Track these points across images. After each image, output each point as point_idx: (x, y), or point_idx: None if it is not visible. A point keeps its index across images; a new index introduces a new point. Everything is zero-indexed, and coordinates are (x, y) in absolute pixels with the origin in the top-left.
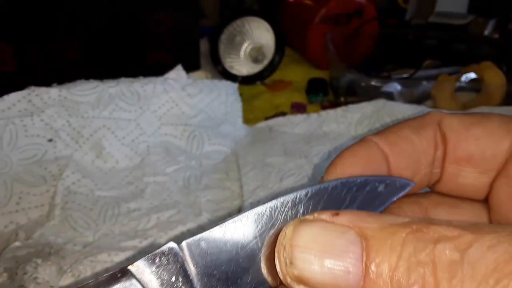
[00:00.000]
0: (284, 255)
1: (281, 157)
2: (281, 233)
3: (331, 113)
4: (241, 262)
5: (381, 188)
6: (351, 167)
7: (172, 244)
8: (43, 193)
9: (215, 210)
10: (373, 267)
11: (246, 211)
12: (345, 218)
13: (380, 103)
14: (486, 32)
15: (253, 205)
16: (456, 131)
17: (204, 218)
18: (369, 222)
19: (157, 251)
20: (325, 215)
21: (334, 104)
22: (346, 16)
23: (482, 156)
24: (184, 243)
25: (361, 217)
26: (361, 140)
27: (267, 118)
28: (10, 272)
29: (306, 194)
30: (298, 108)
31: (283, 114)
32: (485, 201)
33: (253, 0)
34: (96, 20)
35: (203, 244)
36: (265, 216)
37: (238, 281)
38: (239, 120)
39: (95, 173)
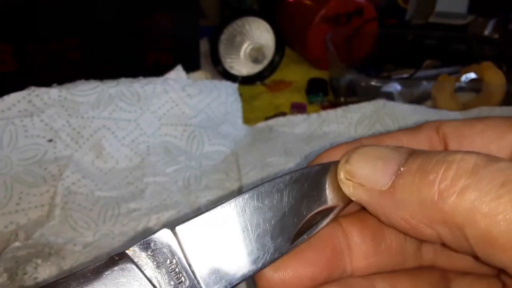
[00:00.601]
0: (345, 157)
1: (281, 157)
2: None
3: (331, 113)
4: (232, 244)
5: None
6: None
7: (166, 229)
8: (43, 194)
9: None
10: (407, 164)
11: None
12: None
13: (380, 103)
14: (486, 32)
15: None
16: (458, 130)
17: None
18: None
19: (151, 236)
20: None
21: (334, 104)
22: (346, 16)
23: (487, 150)
24: (177, 228)
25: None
26: (350, 142)
27: (267, 118)
28: (10, 272)
29: (291, 179)
30: (298, 108)
31: (283, 114)
32: None
33: (253, 0)
34: (96, 20)
35: (195, 228)
36: (253, 201)
37: (231, 262)
38: (239, 120)
39: (95, 174)
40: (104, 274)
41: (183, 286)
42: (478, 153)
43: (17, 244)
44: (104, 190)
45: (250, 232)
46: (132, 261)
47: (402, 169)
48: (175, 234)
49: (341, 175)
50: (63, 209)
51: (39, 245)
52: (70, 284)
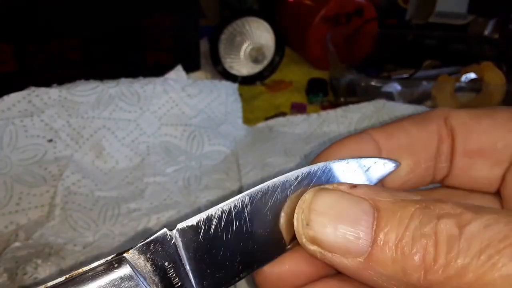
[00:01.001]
0: (302, 217)
1: (281, 157)
2: (301, 198)
3: (331, 113)
4: (231, 245)
5: (368, 168)
6: (338, 157)
7: (165, 230)
8: (43, 194)
9: None
10: (381, 235)
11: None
12: (362, 190)
13: (380, 103)
14: (486, 32)
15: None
16: (465, 124)
17: None
18: (383, 197)
19: (151, 238)
20: (344, 187)
21: (334, 104)
22: (346, 16)
23: (493, 148)
24: (175, 230)
25: (377, 191)
26: (357, 133)
27: (267, 118)
28: (10, 272)
29: (296, 178)
30: (298, 108)
31: (283, 114)
32: (497, 193)
33: (253, 0)
34: (96, 20)
35: (194, 229)
36: (255, 201)
37: (227, 263)
38: (239, 120)
39: (95, 174)
40: (102, 281)
41: None
42: (450, 217)
43: (17, 244)
44: (104, 190)
45: (249, 233)
46: (131, 266)
47: (377, 239)
48: (174, 235)
49: (303, 239)
50: (63, 209)
51: (39, 245)
52: None
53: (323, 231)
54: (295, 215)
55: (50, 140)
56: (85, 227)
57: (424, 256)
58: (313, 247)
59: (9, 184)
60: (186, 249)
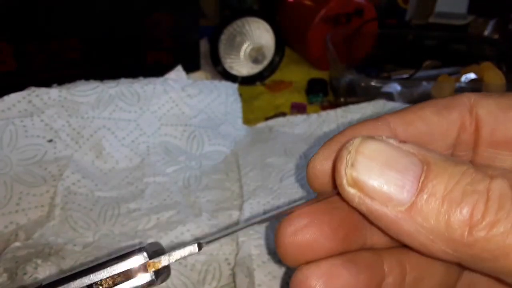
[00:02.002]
0: (348, 157)
1: (281, 157)
2: (348, 142)
3: (331, 113)
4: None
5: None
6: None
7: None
8: (43, 194)
9: (215, 211)
10: (429, 186)
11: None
12: (412, 145)
13: (380, 103)
14: (486, 32)
15: (252, 206)
16: (493, 113)
17: (204, 218)
18: (434, 154)
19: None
20: (393, 140)
21: (334, 105)
22: (346, 16)
23: None
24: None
25: (427, 149)
26: (373, 119)
27: (267, 119)
28: (10, 273)
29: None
30: (298, 109)
31: (283, 114)
32: None
33: (253, 0)
34: (96, 20)
35: None
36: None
37: None
38: (239, 120)
39: (95, 174)
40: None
41: None
42: (503, 179)
43: (17, 244)
44: (104, 190)
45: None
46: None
47: (424, 189)
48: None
49: (344, 180)
50: (63, 209)
51: (39, 245)
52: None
53: (368, 174)
54: (339, 155)
55: (50, 140)
56: (85, 227)
57: (472, 210)
58: (352, 190)
59: (9, 184)
60: None
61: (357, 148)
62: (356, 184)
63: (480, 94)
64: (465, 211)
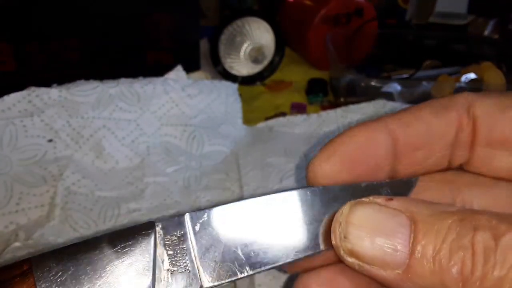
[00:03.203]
0: (340, 230)
1: (281, 157)
2: (338, 211)
3: (331, 113)
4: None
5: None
6: (347, 148)
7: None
8: (43, 194)
9: None
10: (419, 247)
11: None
12: (398, 203)
13: (380, 103)
14: (486, 32)
15: None
16: (489, 113)
17: None
18: (420, 208)
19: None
20: (380, 199)
21: (334, 105)
22: (346, 16)
23: None
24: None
25: (413, 203)
26: (371, 120)
27: (267, 119)
28: None
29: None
30: (298, 109)
31: (283, 114)
32: None
33: (253, 0)
34: (96, 20)
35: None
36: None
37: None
38: (239, 120)
39: (95, 174)
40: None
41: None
42: (486, 229)
43: (17, 244)
44: (104, 190)
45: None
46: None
47: (415, 251)
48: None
49: (341, 252)
50: (63, 209)
51: (39, 245)
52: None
53: (361, 244)
54: (333, 228)
55: (50, 140)
56: (85, 227)
57: (462, 268)
58: (351, 259)
59: (9, 184)
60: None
61: (346, 218)
62: (352, 254)
63: (478, 93)
64: (455, 270)
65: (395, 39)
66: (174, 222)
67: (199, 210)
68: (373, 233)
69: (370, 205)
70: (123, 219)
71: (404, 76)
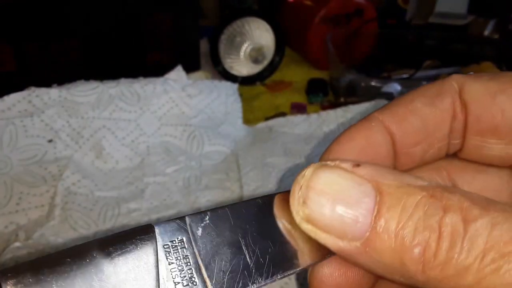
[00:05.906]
0: (299, 193)
1: (281, 157)
2: (300, 173)
3: (331, 113)
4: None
5: None
6: (347, 153)
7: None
8: (43, 194)
9: None
10: (382, 221)
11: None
12: (365, 170)
13: (380, 103)
14: (486, 32)
15: None
16: (479, 100)
17: None
18: (388, 179)
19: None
20: (346, 165)
21: (334, 105)
22: (346, 16)
23: (509, 128)
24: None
25: (381, 172)
26: (364, 119)
27: (267, 119)
28: None
29: None
30: (298, 109)
31: (283, 114)
32: None
33: (253, 0)
34: (96, 20)
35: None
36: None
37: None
38: (239, 120)
39: (95, 174)
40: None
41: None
42: (457, 211)
43: (17, 244)
44: (104, 190)
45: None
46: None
47: (377, 225)
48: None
49: (298, 218)
50: (63, 209)
51: (39, 245)
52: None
53: (320, 211)
54: (292, 191)
55: (50, 140)
56: (85, 227)
57: (424, 249)
58: (307, 226)
59: (9, 184)
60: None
61: (307, 182)
62: (310, 220)
63: (468, 76)
64: (417, 250)
65: (395, 39)
66: (174, 225)
67: (199, 212)
68: (334, 200)
69: (335, 170)
70: (123, 219)
71: (404, 76)
